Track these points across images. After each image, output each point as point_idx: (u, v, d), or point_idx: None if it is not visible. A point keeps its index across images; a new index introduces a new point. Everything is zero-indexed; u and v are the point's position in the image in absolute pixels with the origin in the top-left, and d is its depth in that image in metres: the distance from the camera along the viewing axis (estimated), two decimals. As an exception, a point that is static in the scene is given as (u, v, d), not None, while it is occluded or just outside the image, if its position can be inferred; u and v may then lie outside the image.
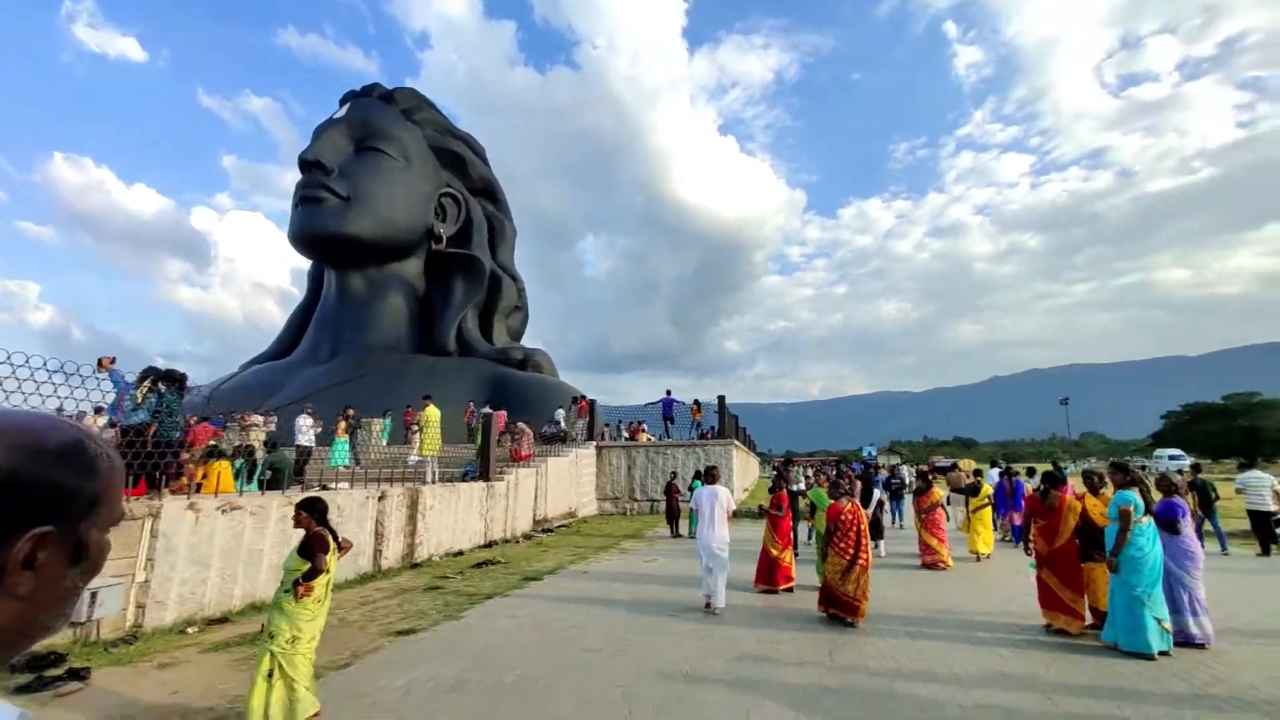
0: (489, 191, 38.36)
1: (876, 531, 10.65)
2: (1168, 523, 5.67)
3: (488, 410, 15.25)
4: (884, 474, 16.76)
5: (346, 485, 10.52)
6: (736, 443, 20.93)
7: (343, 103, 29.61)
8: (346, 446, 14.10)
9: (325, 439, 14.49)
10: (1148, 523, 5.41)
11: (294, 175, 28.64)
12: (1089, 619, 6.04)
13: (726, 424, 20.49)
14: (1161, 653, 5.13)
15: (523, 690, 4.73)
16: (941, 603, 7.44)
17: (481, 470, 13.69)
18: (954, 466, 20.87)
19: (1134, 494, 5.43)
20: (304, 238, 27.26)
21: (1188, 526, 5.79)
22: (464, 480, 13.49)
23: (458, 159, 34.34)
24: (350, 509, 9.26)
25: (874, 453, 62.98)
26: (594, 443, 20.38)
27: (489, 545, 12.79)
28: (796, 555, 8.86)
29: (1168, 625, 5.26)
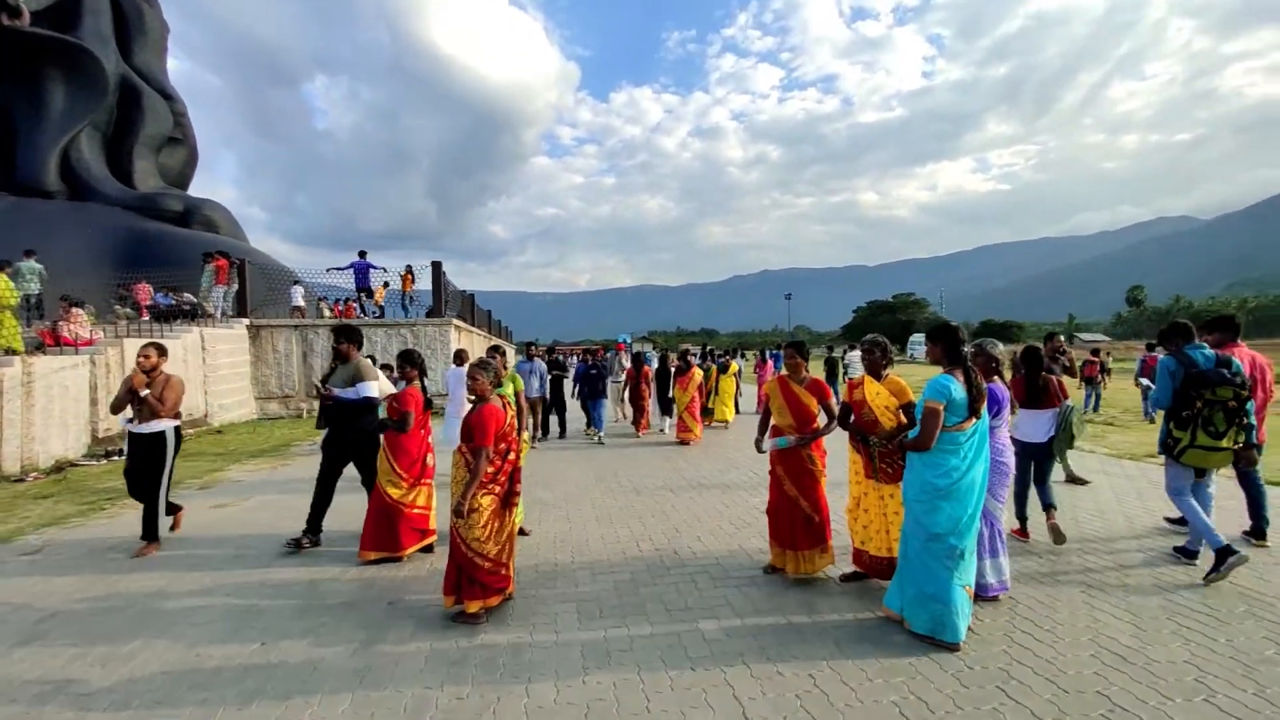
0: (115, -38, 25.22)
1: (666, 408, 11.52)
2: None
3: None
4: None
5: None
6: (459, 322, 16.81)
7: None
8: None
9: None
10: (972, 428, 3.15)
11: None
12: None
13: (443, 297, 16.10)
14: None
15: None
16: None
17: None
18: (705, 350, 21.40)
19: (955, 382, 3.09)
20: None
21: (1004, 426, 3.79)
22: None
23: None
24: None
25: (629, 339, 65.00)
26: (245, 320, 14.35)
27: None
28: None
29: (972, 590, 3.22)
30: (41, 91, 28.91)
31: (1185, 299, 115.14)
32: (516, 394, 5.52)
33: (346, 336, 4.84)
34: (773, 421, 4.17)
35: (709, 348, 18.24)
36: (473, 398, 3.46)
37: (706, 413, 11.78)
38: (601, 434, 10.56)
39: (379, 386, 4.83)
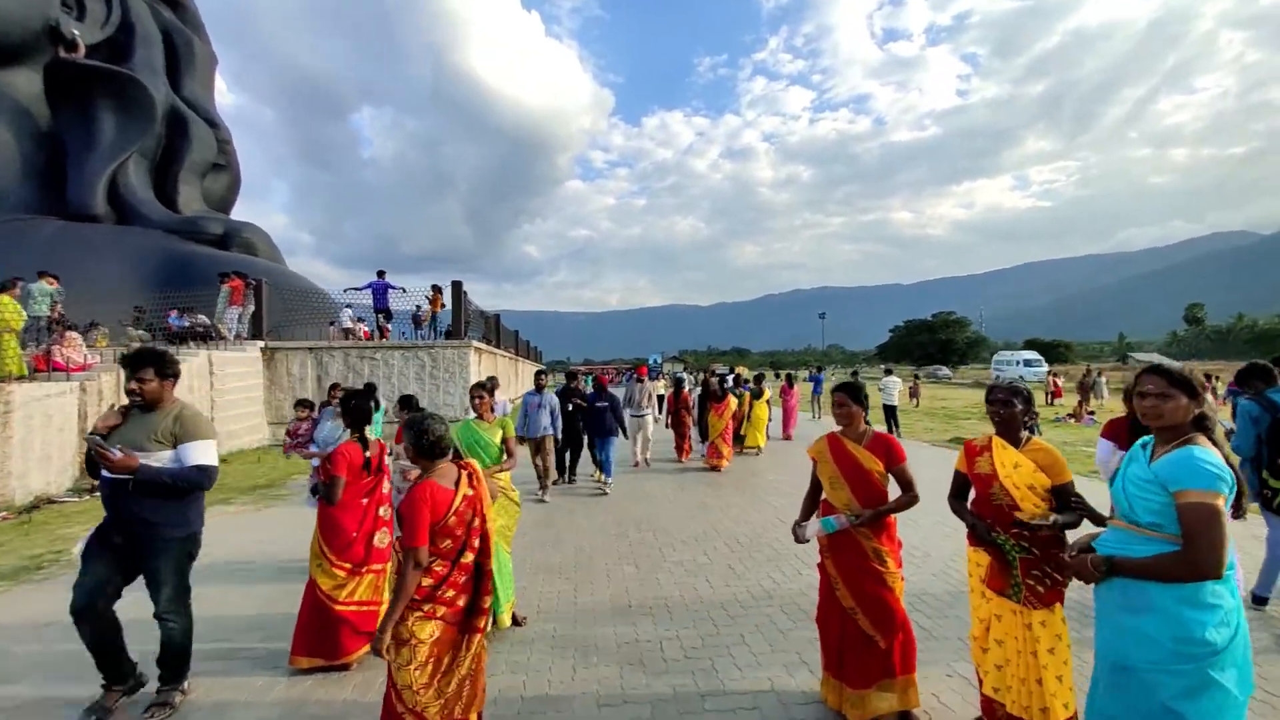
0: (167, -3, 26.13)
1: (703, 433, 10.84)
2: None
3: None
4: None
5: None
6: (480, 344, 16.01)
7: None
8: None
9: None
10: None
11: None
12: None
13: (462, 318, 15.30)
14: None
15: None
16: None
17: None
18: (732, 371, 20.02)
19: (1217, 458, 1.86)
20: None
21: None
22: None
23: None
24: None
25: (659, 360, 63.95)
26: (260, 342, 13.81)
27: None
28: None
29: None
30: (93, 120, 29.89)
31: (1249, 317, 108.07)
32: (505, 441, 4.21)
33: (148, 365, 2.90)
34: (824, 496, 3.00)
35: (736, 373, 17.08)
36: (408, 472, 2.44)
37: (738, 439, 11.74)
38: (609, 481, 8.54)
39: (210, 451, 2.95)
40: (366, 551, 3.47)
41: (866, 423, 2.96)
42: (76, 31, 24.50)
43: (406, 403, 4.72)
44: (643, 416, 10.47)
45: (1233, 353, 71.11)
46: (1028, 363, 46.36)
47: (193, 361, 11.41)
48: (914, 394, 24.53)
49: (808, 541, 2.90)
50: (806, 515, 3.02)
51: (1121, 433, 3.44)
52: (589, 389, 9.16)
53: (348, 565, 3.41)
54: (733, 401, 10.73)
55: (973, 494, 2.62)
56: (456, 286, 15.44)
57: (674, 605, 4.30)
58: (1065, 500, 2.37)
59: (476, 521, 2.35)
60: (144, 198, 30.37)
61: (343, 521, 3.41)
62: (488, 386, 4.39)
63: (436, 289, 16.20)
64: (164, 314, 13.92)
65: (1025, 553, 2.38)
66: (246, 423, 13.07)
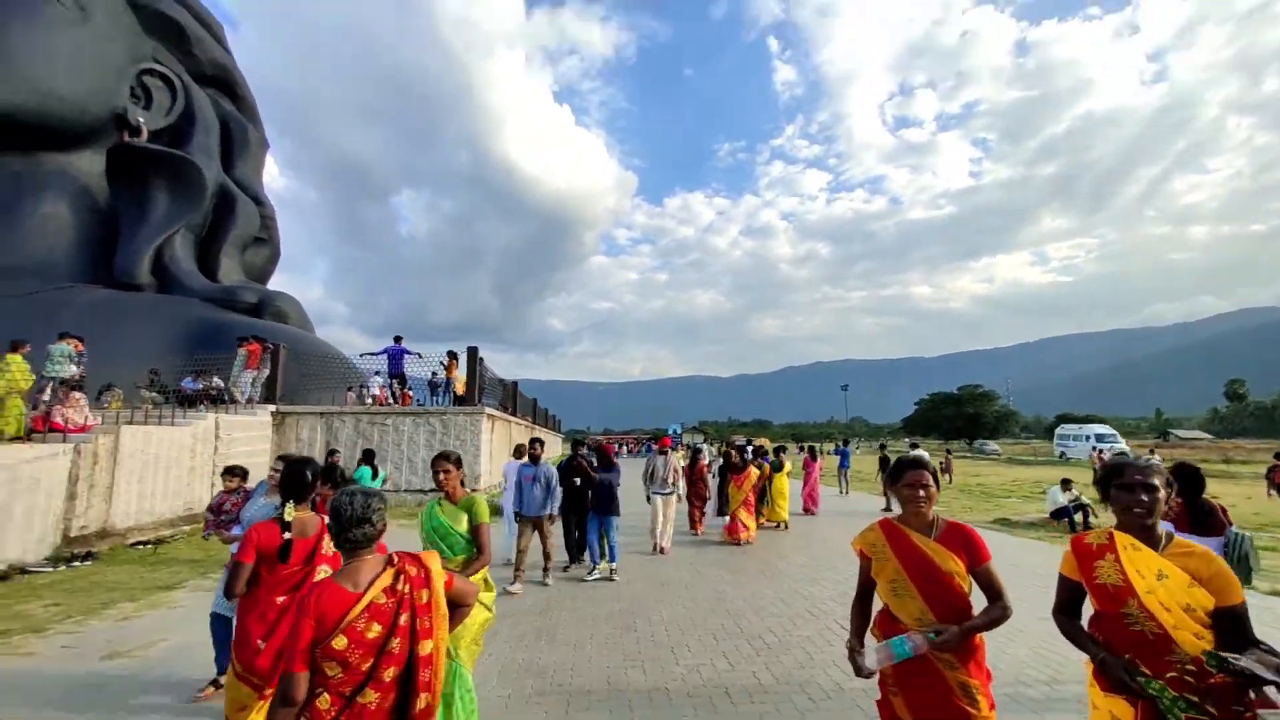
0: (225, 85, 28.36)
1: (722, 507, 10.81)
2: None
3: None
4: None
5: None
6: (494, 411, 15.58)
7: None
8: None
9: None
10: None
11: None
12: None
13: (476, 384, 14.97)
14: None
15: None
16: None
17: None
18: (750, 443, 19.16)
19: None
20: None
21: None
22: None
23: (173, 27, 24.35)
24: None
25: (679, 430, 62.71)
26: (271, 406, 13.59)
27: None
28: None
29: None
30: (147, 197, 31.77)
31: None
32: (476, 529, 3.27)
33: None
34: (883, 607, 2.33)
35: (757, 445, 16.31)
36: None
37: (757, 512, 11.08)
38: (615, 566, 7.44)
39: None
40: (275, 666, 2.61)
41: (930, 506, 2.29)
42: (142, 120, 26.29)
43: (367, 458, 4.06)
44: (667, 495, 9.20)
45: (1277, 430, 67.42)
46: (1100, 437, 39.19)
47: (199, 425, 11.15)
48: (945, 469, 23.23)
49: (873, 674, 2.16)
50: (860, 633, 2.32)
51: None
52: (591, 458, 8.13)
53: (254, 681, 2.62)
54: (753, 472, 10.40)
55: (1090, 608, 1.97)
56: (472, 352, 15.24)
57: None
58: (1239, 630, 1.69)
59: (396, 643, 1.72)
60: (186, 268, 31.63)
61: (247, 624, 2.67)
62: (452, 457, 3.35)
63: (452, 355, 16.00)
64: (179, 377, 13.90)
65: (1193, 711, 1.65)
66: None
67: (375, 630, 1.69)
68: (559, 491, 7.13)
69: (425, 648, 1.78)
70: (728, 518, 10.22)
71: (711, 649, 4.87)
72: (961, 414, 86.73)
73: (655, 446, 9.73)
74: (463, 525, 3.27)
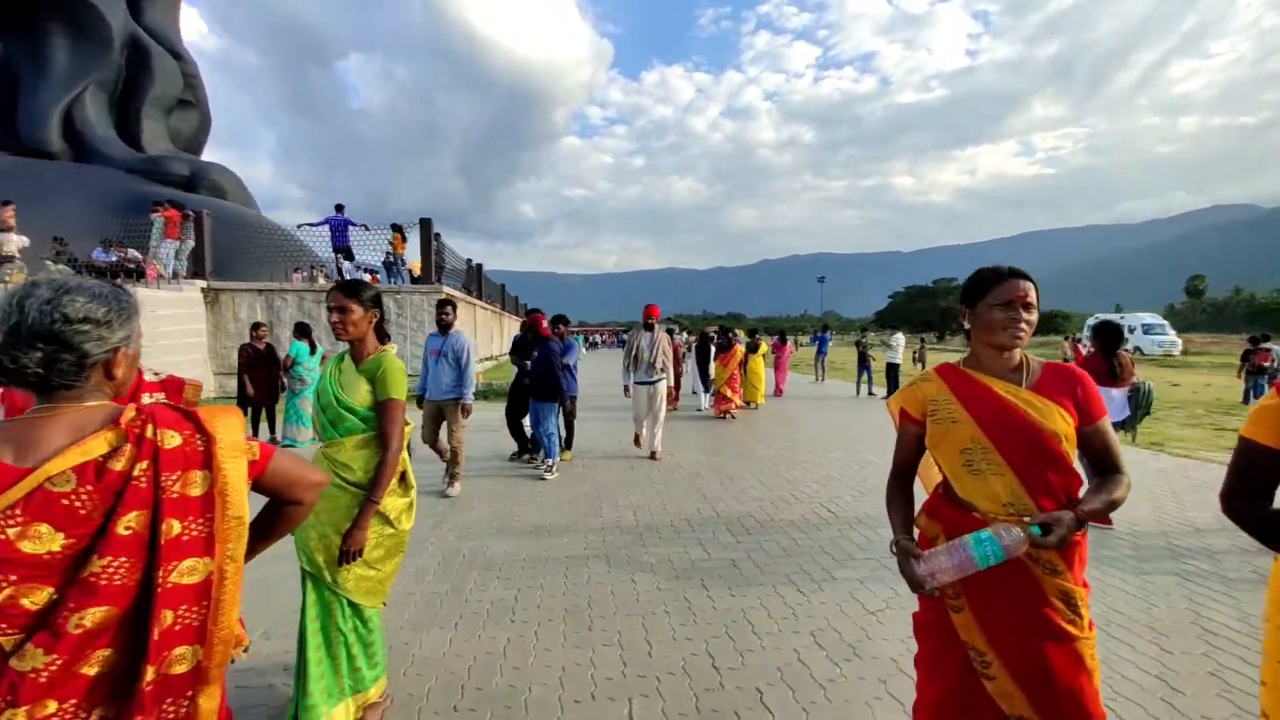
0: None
1: (705, 384, 11.45)
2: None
3: None
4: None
5: None
6: (454, 292, 14.39)
7: None
8: None
9: None
10: None
11: None
12: None
13: (433, 262, 13.64)
14: None
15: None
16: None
17: None
18: (723, 330, 18.82)
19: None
20: None
21: None
22: None
23: None
24: None
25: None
26: (200, 281, 12.21)
27: None
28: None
29: None
30: (44, 48, 27.42)
31: (1247, 290, 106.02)
32: (382, 405, 2.12)
33: None
34: (938, 490, 1.61)
35: (729, 330, 15.67)
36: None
37: None
38: (554, 463, 6.12)
39: None
40: None
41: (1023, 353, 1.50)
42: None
43: (301, 331, 3.08)
44: (654, 383, 7.07)
45: (1228, 326, 69.95)
46: (1148, 328, 32.57)
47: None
48: (918, 359, 23.49)
49: (936, 591, 1.41)
50: (907, 527, 1.56)
51: None
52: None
53: None
54: (740, 349, 10.90)
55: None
56: (426, 225, 13.72)
57: (655, 628, 2.98)
58: None
59: (106, 565, 0.89)
60: (103, 134, 28.21)
61: None
62: (358, 290, 2.19)
63: (396, 228, 14.31)
64: (91, 249, 12.34)
65: None
66: (187, 371, 11.58)
67: (42, 538, 0.84)
68: (473, 371, 5.58)
69: (185, 575, 0.95)
70: (713, 395, 10.84)
71: (686, 535, 4.33)
72: (935, 307, 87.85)
73: (642, 321, 7.35)
74: (361, 398, 2.13)
